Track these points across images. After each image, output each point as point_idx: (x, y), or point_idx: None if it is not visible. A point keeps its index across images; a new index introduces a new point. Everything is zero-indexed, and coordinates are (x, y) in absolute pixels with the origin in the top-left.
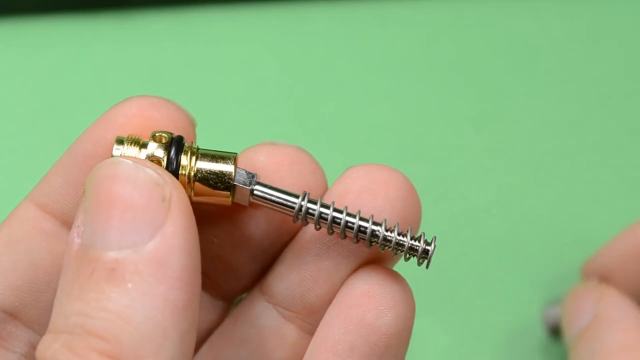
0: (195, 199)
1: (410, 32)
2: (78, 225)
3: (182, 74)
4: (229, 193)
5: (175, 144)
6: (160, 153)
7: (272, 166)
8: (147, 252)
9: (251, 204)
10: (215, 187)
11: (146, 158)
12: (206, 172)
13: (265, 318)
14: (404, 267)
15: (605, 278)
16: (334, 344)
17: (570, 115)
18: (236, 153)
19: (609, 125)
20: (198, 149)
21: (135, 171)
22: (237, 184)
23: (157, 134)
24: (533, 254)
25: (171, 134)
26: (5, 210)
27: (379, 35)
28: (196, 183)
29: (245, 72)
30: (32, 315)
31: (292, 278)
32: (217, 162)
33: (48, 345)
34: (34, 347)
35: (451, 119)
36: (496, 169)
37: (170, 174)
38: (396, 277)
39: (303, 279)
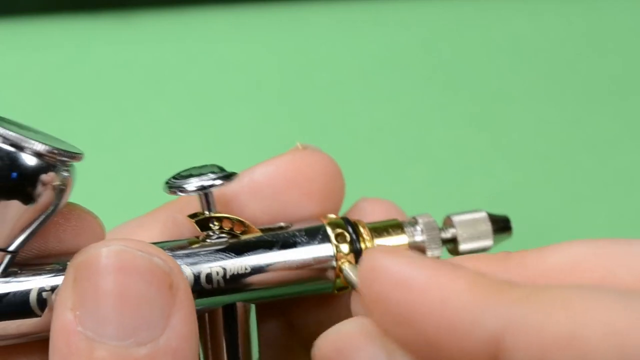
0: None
1: (409, 32)
2: (72, 308)
3: (182, 74)
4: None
5: (354, 230)
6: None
7: (320, 171)
8: (162, 344)
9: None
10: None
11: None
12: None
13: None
14: None
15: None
16: None
17: (569, 115)
18: (399, 221)
19: (609, 125)
20: (364, 224)
21: (143, 261)
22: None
23: (335, 229)
24: None
25: (342, 220)
26: None
27: (378, 35)
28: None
29: (245, 72)
30: None
31: (324, 314)
32: (389, 234)
33: None
34: None
35: (451, 119)
36: (496, 168)
37: (171, 258)
38: None
39: (337, 317)
